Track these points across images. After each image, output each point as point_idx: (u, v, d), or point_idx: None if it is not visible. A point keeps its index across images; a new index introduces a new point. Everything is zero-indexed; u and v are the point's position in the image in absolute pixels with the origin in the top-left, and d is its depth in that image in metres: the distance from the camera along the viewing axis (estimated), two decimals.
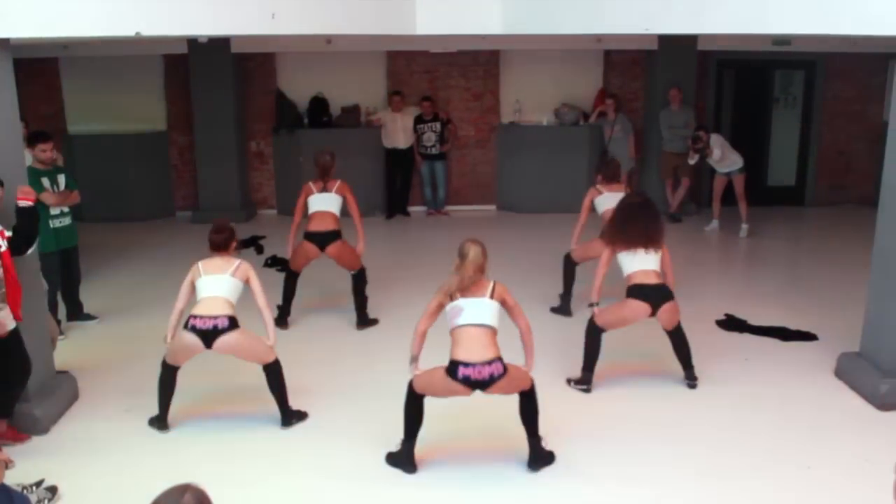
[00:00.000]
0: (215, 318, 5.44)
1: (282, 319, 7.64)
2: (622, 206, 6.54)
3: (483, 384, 4.89)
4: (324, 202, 7.69)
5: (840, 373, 6.58)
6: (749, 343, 7.36)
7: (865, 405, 6.09)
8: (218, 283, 5.57)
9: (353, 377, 6.63)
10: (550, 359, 6.53)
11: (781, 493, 4.96)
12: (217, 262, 5.66)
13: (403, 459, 5.19)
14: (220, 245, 5.70)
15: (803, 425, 5.83)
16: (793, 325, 7.69)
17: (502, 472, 5.19)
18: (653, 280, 6.16)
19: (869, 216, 6.58)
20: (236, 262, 5.67)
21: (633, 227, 6.23)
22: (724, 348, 7.18)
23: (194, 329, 5.44)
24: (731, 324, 7.79)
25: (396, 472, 5.17)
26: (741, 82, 13.25)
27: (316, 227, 7.63)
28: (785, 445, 5.53)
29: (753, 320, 7.81)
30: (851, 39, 10.72)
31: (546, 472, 5.18)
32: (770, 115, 13.23)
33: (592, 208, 7.95)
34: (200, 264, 5.66)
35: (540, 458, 5.21)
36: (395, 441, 5.24)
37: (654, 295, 6.13)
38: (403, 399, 5.12)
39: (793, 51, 11.93)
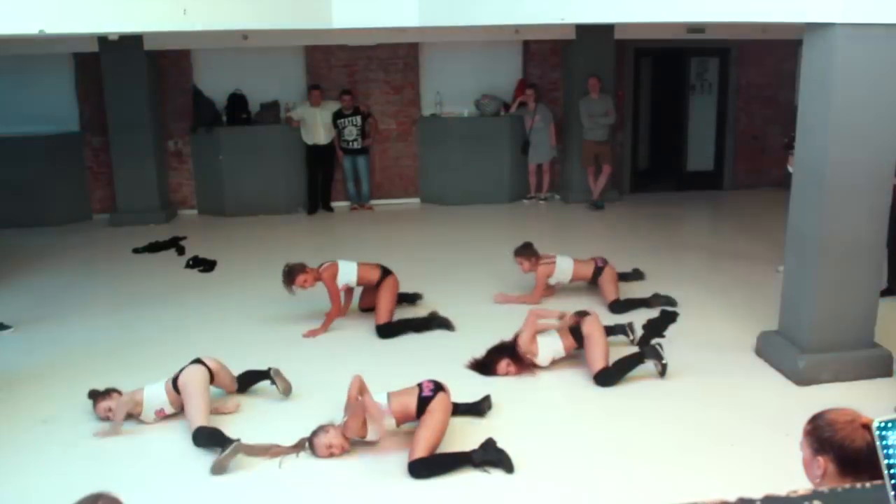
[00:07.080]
0: None
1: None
2: None
3: None
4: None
5: (760, 351, 6.74)
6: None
7: (785, 381, 6.25)
8: None
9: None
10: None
11: (706, 470, 5.03)
12: None
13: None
14: None
15: (726, 403, 5.94)
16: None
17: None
18: None
19: (783, 198, 6.74)
20: None
21: None
22: None
23: None
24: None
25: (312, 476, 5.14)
26: (658, 70, 13.50)
27: None
28: (708, 424, 5.63)
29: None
30: (762, 27, 10.98)
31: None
32: (687, 102, 13.49)
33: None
34: None
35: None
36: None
37: None
38: None
39: (707, 38, 12.16)
